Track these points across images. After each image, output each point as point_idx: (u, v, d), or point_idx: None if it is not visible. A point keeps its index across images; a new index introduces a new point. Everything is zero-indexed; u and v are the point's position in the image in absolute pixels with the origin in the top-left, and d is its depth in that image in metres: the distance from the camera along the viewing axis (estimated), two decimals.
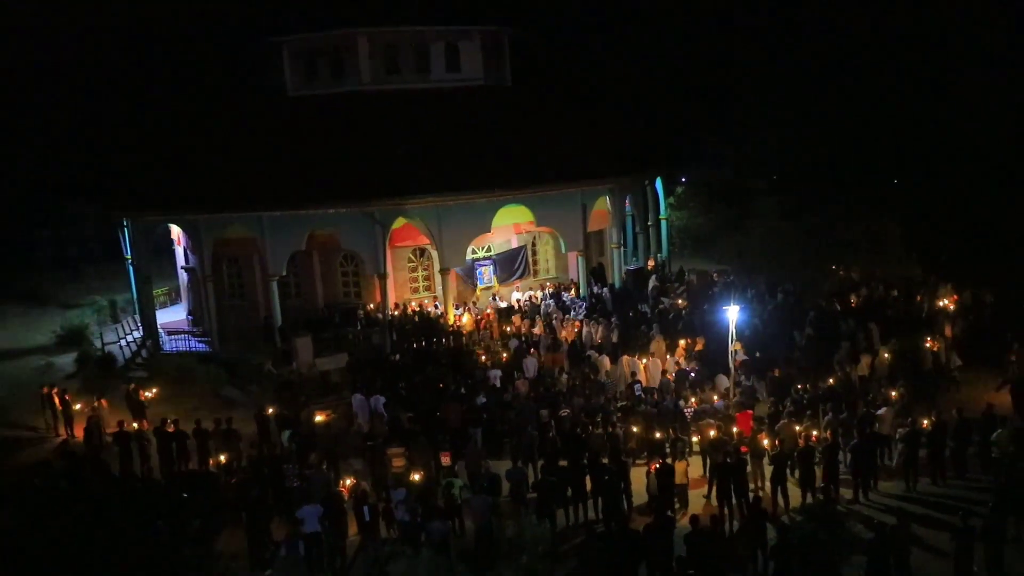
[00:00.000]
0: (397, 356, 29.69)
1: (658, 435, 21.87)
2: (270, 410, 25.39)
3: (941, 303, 30.59)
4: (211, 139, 37.45)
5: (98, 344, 36.10)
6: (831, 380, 24.78)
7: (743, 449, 20.35)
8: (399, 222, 33.05)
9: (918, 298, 31.76)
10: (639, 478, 20.22)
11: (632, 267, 39.72)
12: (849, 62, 49.45)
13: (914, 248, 36.07)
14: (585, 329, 30.47)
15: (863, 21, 50.00)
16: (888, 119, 44.85)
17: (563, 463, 20.56)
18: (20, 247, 57.32)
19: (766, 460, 20.49)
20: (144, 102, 57.28)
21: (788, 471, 19.97)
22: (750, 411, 22.87)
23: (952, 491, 20.03)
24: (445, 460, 21.80)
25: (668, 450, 21.19)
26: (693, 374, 26.07)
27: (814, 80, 49.27)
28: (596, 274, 37.04)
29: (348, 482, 20.45)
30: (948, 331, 28.34)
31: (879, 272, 35.17)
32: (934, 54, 45.03)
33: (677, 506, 19.65)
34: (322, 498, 18.98)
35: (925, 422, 21.44)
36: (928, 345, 26.85)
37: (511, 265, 35.85)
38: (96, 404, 26.45)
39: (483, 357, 29.22)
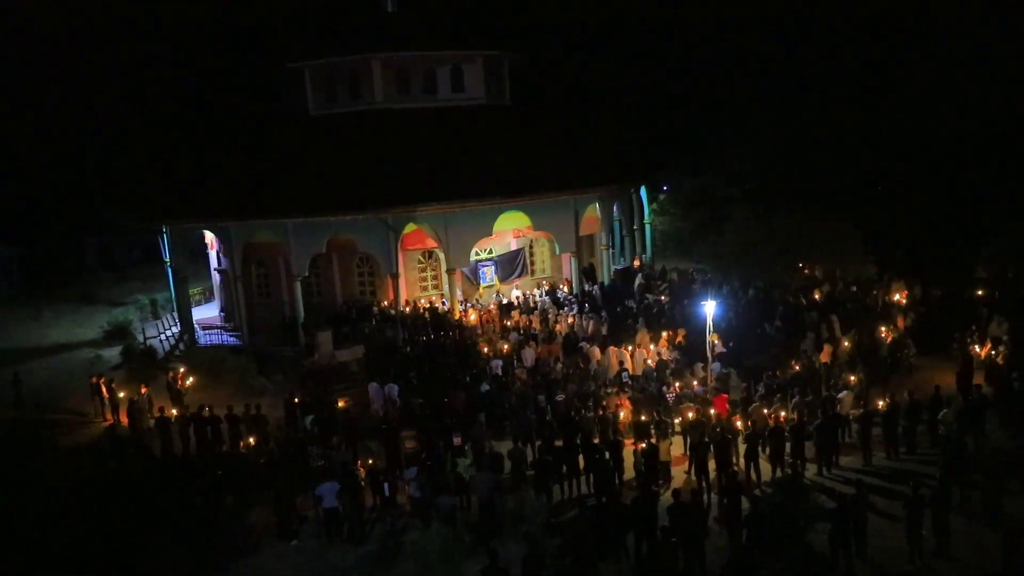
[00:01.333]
0: (408, 348, 29.69)
1: (643, 417, 21.92)
2: (295, 397, 25.46)
3: (894, 298, 30.65)
4: (241, 154, 37.46)
5: (141, 338, 36.09)
6: (797, 367, 24.82)
7: (718, 429, 20.40)
8: (410, 227, 33.07)
9: (874, 293, 31.79)
10: (627, 456, 20.27)
11: (620, 267, 39.75)
12: (813, 80, 49.54)
13: (870, 249, 36.10)
14: (577, 322, 30.50)
15: (826, 40, 50.12)
16: (847, 133, 44.94)
17: (558, 443, 20.63)
18: (72, 252, 57.41)
19: (740, 439, 20.57)
20: (182, 122, 57.31)
21: (760, 449, 20.05)
22: (725, 395, 22.93)
23: (904, 464, 20.14)
24: (457, 441, 21.81)
25: (652, 431, 21.24)
26: (674, 363, 26.10)
27: (782, 98, 49.35)
28: (587, 273, 37.05)
29: (371, 461, 20.45)
30: (900, 322, 28.41)
31: (839, 270, 35.19)
32: (886, 70, 45.17)
33: (660, 481, 19.70)
34: (339, 475, 19.00)
35: (880, 403, 21.58)
36: (883, 335, 26.93)
37: (511, 265, 35.85)
38: (141, 393, 26.52)
39: (486, 349, 29.20)
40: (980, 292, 30.44)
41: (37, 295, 49.23)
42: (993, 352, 25.09)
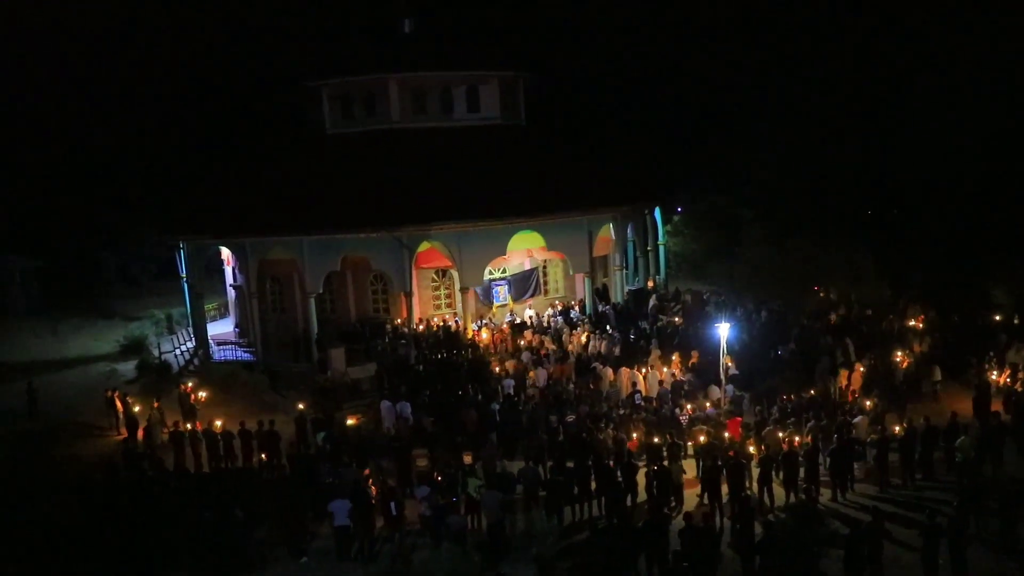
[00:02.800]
0: (421, 366, 29.62)
1: (656, 440, 21.73)
2: (302, 408, 25.45)
3: (910, 322, 30.37)
4: (258, 171, 37.70)
5: (156, 353, 36.26)
6: (812, 391, 24.58)
7: (731, 453, 20.20)
8: (424, 246, 33.09)
9: (890, 317, 31.51)
10: (639, 478, 20.06)
11: (633, 287, 39.58)
12: (827, 103, 49.51)
13: (885, 272, 35.82)
14: (591, 343, 30.35)
15: (838, 65, 50.18)
16: (863, 157, 44.84)
17: (570, 464, 20.45)
18: (89, 267, 57.85)
19: (754, 463, 20.34)
20: (200, 138, 57.86)
21: (773, 473, 19.82)
22: (739, 418, 22.71)
23: (920, 492, 19.86)
24: (467, 459, 21.66)
25: (665, 453, 21.04)
26: (687, 385, 25.87)
27: (797, 120, 49.34)
28: (601, 294, 36.89)
29: (383, 480, 20.34)
30: (917, 347, 28.12)
31: (854, 294, 34.92)
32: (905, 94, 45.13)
33: (673, 504, 19.49)
34: (350, 494, 18.91)
35: (896, 429, 21.32)
36: (899, 360, 26.66)
37: (524, 285, 35.76)
38: (154, 407, 26.56)
39: (498, 368, 29.08)
40: (998, 318, 30.11)
41: (55, 309, 49.60)
42: (1011, 379, 24.78)
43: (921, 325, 30.07)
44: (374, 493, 19.38)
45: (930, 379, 26.02)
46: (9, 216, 56.03)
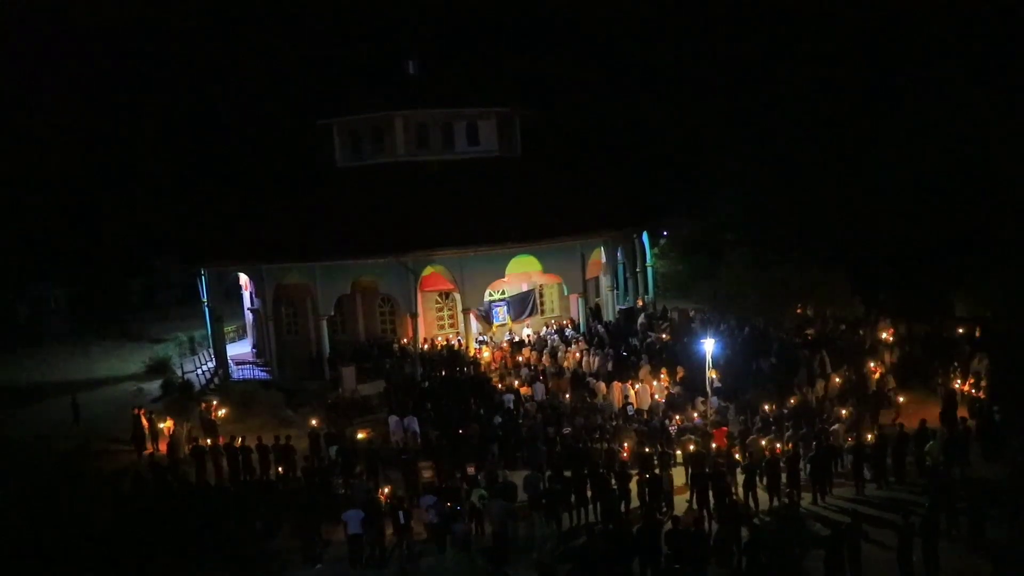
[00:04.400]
0: (426, 383, 29.53)
1: (647, 449, 21.62)
2: (315, 423, 25.30)
3: (881, 336, 30.33)
4: (274, 202, 37.73)
5: (179, 372, 36.14)
6: (792, 401, 24.50)
7: (719, 461, 20.10)
8: (428, 270, 33.10)
9: (862, 331, 31.46)
10: (632, 486, 19.94)
11: (624, 307, 39.57)
12: (804, 133, 49.74)
13: (857, 289, 35.82)
14: (585, 359, 30.28)
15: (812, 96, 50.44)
16: (834, 180, 45.03)
17: (567, 473, 20.33)
18: (118, 293, 57.90)
19: (739, 470, 20.24)
20: (221, 173, 58.10)
21: (757, 479, 19.71)
22: (725, 428, 22.61)
23: (894, 494, 19.73)
24: (471, 470, 21.53)
25: (656, 462, 20.93)
26: (676, 397, 25.77)
27: (775, 149, 49.57)
28: (594, 313, 36.87)
29: (386, 490, 20.22)
30: (887, 359, 28.08)
31: (829, 310, 34.88)
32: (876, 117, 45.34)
33: (664, 509, 19.36)
34: (363, 503, 18.78)
35: (870, 436, 21.24)
36: (871, 371, 26.60)
37: (522, 306, 35.74)
38: (175, 424, 26.42)
39: (499, 384, 28.99)
40: (961, 330, 30.10)
41: (86, 332, 49.61)
42: (974, 387, 24.73)
43: (891, 338, 30.01)
44: (384, 503, 19.24)
45: (885, 387, 25.99)
46: (44, 247, 56.25)
